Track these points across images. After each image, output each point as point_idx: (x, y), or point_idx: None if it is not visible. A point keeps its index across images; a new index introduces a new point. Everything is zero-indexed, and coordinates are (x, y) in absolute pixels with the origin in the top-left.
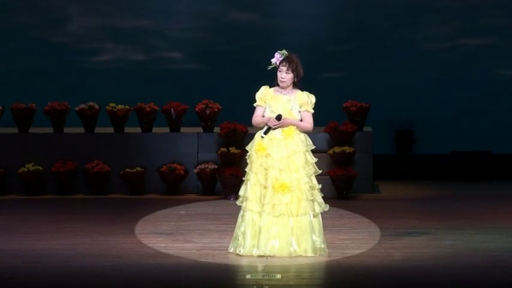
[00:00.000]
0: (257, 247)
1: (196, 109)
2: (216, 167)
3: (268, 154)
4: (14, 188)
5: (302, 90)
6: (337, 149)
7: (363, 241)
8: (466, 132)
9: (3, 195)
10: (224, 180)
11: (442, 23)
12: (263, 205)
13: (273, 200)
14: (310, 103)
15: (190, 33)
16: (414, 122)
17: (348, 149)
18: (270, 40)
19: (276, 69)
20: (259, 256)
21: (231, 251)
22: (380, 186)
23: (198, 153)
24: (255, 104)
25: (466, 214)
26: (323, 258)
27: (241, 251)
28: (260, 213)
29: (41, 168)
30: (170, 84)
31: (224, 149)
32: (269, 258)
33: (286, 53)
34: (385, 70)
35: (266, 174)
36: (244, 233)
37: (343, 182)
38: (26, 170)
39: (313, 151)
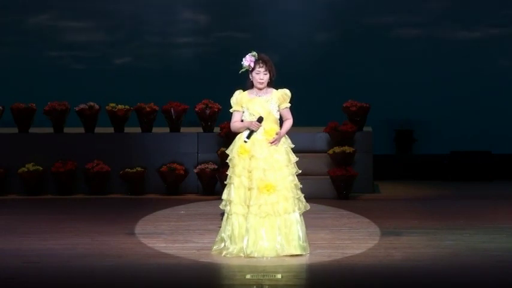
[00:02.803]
0: (245, 248)
1: (196, 109)
2: (216, 167)
3: (252, 155)
4: (14, 188)
5: (277, 89)
6: (337, 149)
7: (362, 241)
8: (466, 132)
9: (3, 195)
10: (224, 180)
11: (443, 23)
12: (248, 207)
13: (258, 200)
14: (288, 99)
15: (190, 33)
16: (414, 122)
17: (348, 149)
18: (270, 40)
19: (248, 71)
20: (248, 257)
21: (213, 252)
22: (380, 186)
23: (198, 153)
24: (231, 110)
25: (466, 214)
26: (323, 258)
27: (228, 254)
28: (245, 216)
29: (41, 168)
30: (170, 84)
31: (224, 149)
32: (260, 258)
33: (256, 54)
34: (385, 70)
35: (250, 176)
36: (230, 237)
37: (343, 182)
38: (26, 170)
39: (313, 151)
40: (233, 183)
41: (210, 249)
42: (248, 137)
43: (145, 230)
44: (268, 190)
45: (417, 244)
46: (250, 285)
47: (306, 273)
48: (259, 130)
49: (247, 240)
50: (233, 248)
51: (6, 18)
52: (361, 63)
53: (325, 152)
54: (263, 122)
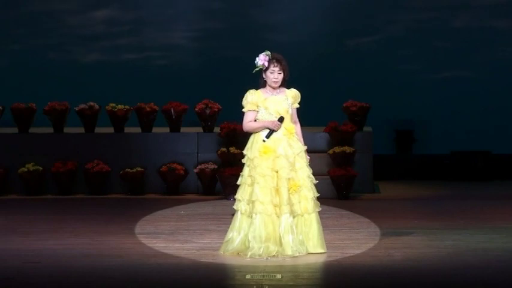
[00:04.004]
0: (291, 247)
1: (196, 109)
2: (216, 167)
3: (280, 154)
4: (14, 188)
5: (288, 88)
6: (337, 149)
7: (362, 241)
8: (466, 132)
9: (3, 195)
10: (224, 180)
11: (443, 23)
12: (277, 206)
13: (289, 200)
14: (299, 99)
15: (190, 33)
16: (414, 122)
17: (348, 149)
18: (270, 40)
19: (261, 71)
20: (293, 256)
21: (223, 252)
22: (380, 186)
23: (198, 153)
24: (245, 110)
25: (466, 214)
26: (323, 258)
27: (255, 254)
28: (271, 216)
29: (41, 168)
30: (170, 84)
31: (224, 149)
32: (268, 259)
33: (270, 53)
34: (385, 70)
35: (277, 175)
36: (255, 237)
37: (343, 182)
38: (26, 170)
39: (313, 151)
40: (258, 183)
41: (224, 250)
42: (267, 136)
43: (145, 230)
44: (295, 190)
45: (417, 244)
46: (250, 285)
47: (306, 273)
48: (280, 129)
49: (287, 240)
50: (259, 248)
51: (6, 18)
52: (361, 63)
53: (325, 152)
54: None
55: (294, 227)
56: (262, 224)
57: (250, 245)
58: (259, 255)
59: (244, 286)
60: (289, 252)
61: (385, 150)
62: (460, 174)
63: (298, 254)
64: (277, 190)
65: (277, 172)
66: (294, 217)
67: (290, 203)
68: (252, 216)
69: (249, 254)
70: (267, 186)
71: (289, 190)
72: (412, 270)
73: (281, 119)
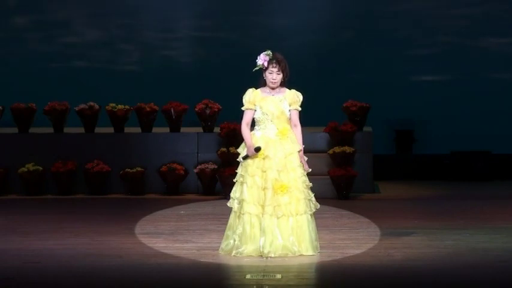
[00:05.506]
0: (262, 248)
1: (196, 109)
2: (216, 167)
3: (267, 156)
4: (14, 188)
5: (290, 89)
6: (337, 149)
7: (362, 241)
8: (466, 132)
9: (3, 195)
10: (224, 180)
11: (443, 23)
12: (263, 207)
13: (274, 201)
14: (299, 101)
15: (190, 33)
16: (414, 122)
17: (348, 149)
18: (270, 40)
19: (261, 70)
20: (266, 257)
21: (221, 251)
22: (380, 186)
23: (198, 153)
24: (243, 108)
25: (466, 214)
26: (323, 258)
27: (239, 252)
28: (258, 215)
29: (41, 168)
30: (170, 84)
31: (224, 149)
32: (269, 258)
33: (271, 53)
34: (386, 70)
35: (265, 176)
36: (241, 236)
37: (343, 182)
38: (26, 170)
39: (313, 151)
40: (246, 183)
41: (221, 249)
42: (244, 158)
43: (145, 230)
44: (282, 191)
45: (417, 244)
46: (250, 285)
47: (306, 273)
48: (272, 130)
49: (264, 240)
50: (244, 248)
51: (6, 17)
52: (361, 63)
53: (325, 152)
54: (276, 122)
55: (275, 227)
56: (248, 223)
57: (236, 244)
58: (242, 254)
59: (244, 286)
60: (264, 251)
61: (385, 150)
62: (460, 174)
63: (273, 255)
64: (264, 190)
65: (265, 172)
66: (278, 218)
67: (274, 204)
68: (240, 216)
69: (233, 252)
70: (254, 187)
71: (275, 191)
72: (412, 270)
73: (257, 149)
